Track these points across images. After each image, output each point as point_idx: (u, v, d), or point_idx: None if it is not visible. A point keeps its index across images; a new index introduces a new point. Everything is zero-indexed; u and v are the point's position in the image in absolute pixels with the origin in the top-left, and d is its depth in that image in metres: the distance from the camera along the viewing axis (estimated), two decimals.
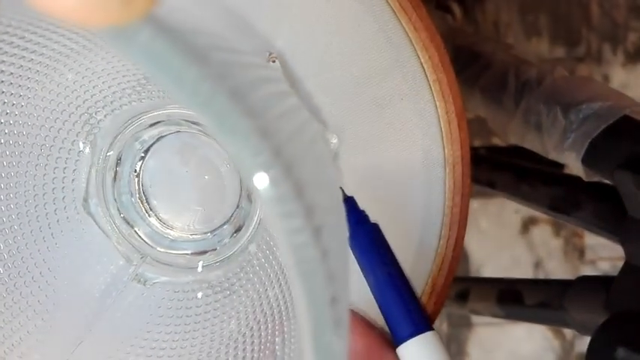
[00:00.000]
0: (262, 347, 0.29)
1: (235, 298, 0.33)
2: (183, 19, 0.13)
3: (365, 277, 0.30)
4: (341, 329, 0.14)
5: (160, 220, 0.37)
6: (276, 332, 0.28)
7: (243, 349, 0.30)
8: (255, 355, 0.29)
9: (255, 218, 0.34)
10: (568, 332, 0.88)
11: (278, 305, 0.29)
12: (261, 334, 0.29)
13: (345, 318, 0.15)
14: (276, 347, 0.27)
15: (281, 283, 0.30)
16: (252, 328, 0.30)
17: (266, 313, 0.30)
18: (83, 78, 0.29)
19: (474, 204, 0.86)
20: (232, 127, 0.13)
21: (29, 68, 0.28)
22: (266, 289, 0.31)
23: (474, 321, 0.88)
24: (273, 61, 0.32)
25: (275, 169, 0.13)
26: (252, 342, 0.29)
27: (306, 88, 0.33)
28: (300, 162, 0.14)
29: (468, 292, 0.63)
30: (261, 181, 0.13)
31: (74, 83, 0.29)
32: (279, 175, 0.13)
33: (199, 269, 0.36)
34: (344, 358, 0.15)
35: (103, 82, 0.30)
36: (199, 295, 0.34)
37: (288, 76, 0.33)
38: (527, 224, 0.88)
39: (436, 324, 0.30)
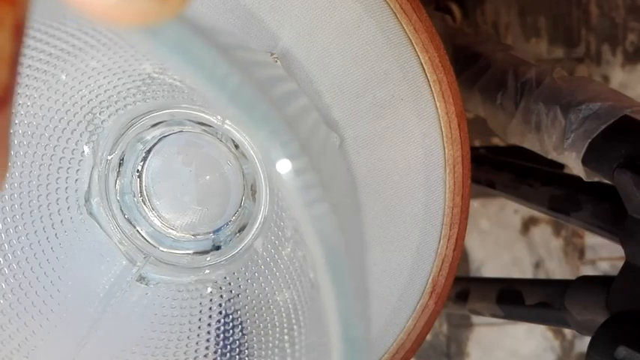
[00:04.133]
0: (270, 345, 0.29)
1: (240, 297, 0.33)
2: (203, 18, 0.13)
3: None
4: (362, 302, 0.15)
5: (163, 220, 0.37)
6: (285, 329, 0.28)
7: (251, 348, 0.30)
8: (262, 352, 0.29)
9: (259, 217, 0.34)
10: (568, 332, 0.88)
11: (285, 303, 0.29)
12: (268, 332, 0.29)
13: (367, 291, 0.15)
14: (286, 345, 0.27)
15: (287, 281, 0.30)
16: (259, 326, 0.30)
17: (273, 311, 0.30)
18: (89, 78, 0.29)
19: (474, 204, 0.86)
20: (262, 116, 0.13)
21: (36, 68, 0.28)
22: (272, 288, 0.31)
23: (474, 321, 0.88)
24: (275, 62, 0.32)
25: (302, 159, 0.13)
26: (260, 340, 0.30)
27: (307, 88, 0.33)
28: (318, 157, 0.14)
29: (468, 292, 0.63)
30: (285, 168, 0.13)
31: (80, 83, 0.30)
32: (306, 165, 0.13)
33: (203, 269, 0.36)
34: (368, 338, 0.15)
35: (108, 82, 0.30)
36: (203, 294, 0.34)
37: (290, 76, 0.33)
38: (528, 224, 0.88)
39: (436, 324, 0.31)
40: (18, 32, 0.10)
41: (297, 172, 0.13)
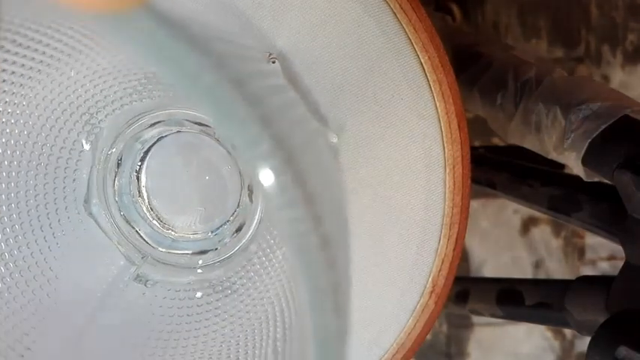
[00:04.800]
0: (264, 345, 0.29)
1: (236, 297, 0.33)
2: (181, 10, 0.13)
3: None
4: (341, 314, 0.14)
5: (161, 220, 0.37)
6: (278, 329, 0.28)
7: (245, 347, 0.30)
8: (256, 351, 0.29)
9: (256, 217, 0.34)
10: (568, 332, 0.88)
11: (279, 302, 0.29)
12: (262, 332, 0.29)
13: (347, 304, 0.15)
14: (277, 344, 0.27)
15: (282, 281, 0.30)
16: (253, 325, 0.30)
17: (267, 310, 0.30)
18: (85, 77, 0.29)
19: (474, 204, 0.86)
20: (232, 115, 0.13)
21: (31, 67, 0.28)
22: (267, 288, 0.31)
23: (474, 321, 0.88)
24: (273, 62, 0.32)
25: (275, 159, 0.13)
26: (254, 339, 0.30)
27: (307, 88, 0.33)
28: (300, 153, 0.14)
29: (468, 292, 0.63)
30: (263, 171, 0.13)
31: (76, 83, 0.29)
32: (280, 165, 0.13)
33: (200, 269, 0.36)
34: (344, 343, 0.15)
35: (104, 82, 0.30)
36: (200, 294, 0.34)
37: (288, 76, 0.33)
38: (527, 224, 0.88)
39: (436, 324, 0.31)
40: None
41: (272, 173, 0.13)
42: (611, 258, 0.88)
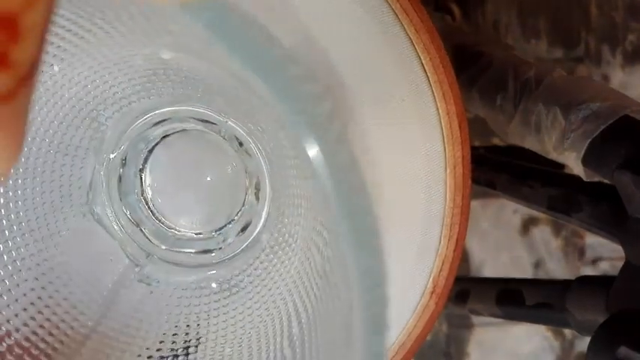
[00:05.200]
0: (277, 339, 0.29)
1: (244, 295, 0.33)
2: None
3: None
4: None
5: (165, 219, 0.37)
6: (293, 326, 0.28)
7: (258, 342, 0.30)
8: (270, 347, 0.29)
9: (263, 216, 0.34)
10: (568, 332, 0.88)
11: (292, 299, 0.29)
12: (275, 327, 0.29)
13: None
14: (294, 338, 0.27)
15: (294, 277, 0.30)
16: (265, 321, 0.30)
17: (279, 305, 0.30)
18: (95, 73, 0.29)
19: (474, 204, 0.86)
20: (287, 93, 0.14)
21: (43, 62, 0.28)
22: (277, 284, 0.31)
23: (474, 321, 0.88)
24: None
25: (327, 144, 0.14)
26: (267, 334, 0.29)
27: None
28: (339, 143, 0.15)
29: (468, 292, 0.63)
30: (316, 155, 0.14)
31: (86, 78, 0.29)
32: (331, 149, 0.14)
33: (204, 268, 0.36)
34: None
35: (114, 78, 0.30)
36: (207, 292, 0.34)
37: None
38: (527, 224, 0.88)
39: (436, 324, 0.31)
40: (51, 8, 0.11)
41: (318, 140, 0.14)
42: (611, 258, 0.88)
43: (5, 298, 0.30)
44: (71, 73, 0.29)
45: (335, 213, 0.14)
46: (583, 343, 0.87)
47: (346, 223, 0.14)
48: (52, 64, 0.28)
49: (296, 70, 0.15)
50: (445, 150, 0.34)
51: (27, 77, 0.11)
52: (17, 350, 0.29)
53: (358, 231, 0.15)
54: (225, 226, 0.36)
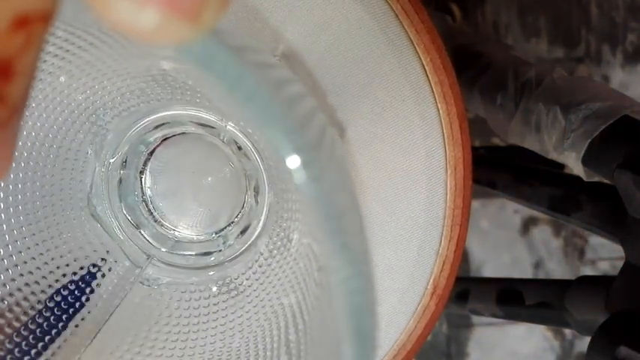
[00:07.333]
0: (274, 345, 0.29)
1: (243, 298, 0.33)
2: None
3: None
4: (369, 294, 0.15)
5: (165, 222, 0.37)
6: (290, 329, 0.28)
7: (255, 347, 0.30)
8: (267, 353, 0.29)
9: (262, 218, 0.35)
10: (568, 332, 0.89)
11: (289, 302, 0.29)
12: (272, 332, 0.29)
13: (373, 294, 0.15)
14: (291, 344, 0.27)
15: (292, 281, 0.30)
16: (262, 326, 0.30)
17: (276, 310, 0.30)
18: (94, 80, 0.29)
19: (475, 204, 0.86)
20: (275, 120, 0.13)
21: (41, 69, 0.28)
22: (275, 288, 0.31)
23: (474, 321, 0.88)
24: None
25: (311, 154, 0.14)
26: (264, 339, 0.30)
27: (308, 89, 0.33)
28: (327, 157, 0.15)
29: (468, 292, 0.63)
30: (294, 164, 0.14)
31: (84, 85, 0.29)
32: (315, 161, 0.14)
33: (205, 270, 0.36)
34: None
35: (112, 84, 0.30)
36: (206, 295, 0.34)
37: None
38: (527, 224, 0.88)
39: (436, 324, 0.31)
40: (42, 47, 0.11)
41: (305, 166, 0.14)
42: (611, 258, 0.88)
43: (6, 301, 0.30)
44: (74, 83, 0.29)
45: (323, 229, 0.14)
46: (583, 343, 0.87)
47: (334, 245, 0.14)
48: (58, 76, 0.28)
49: (289, 90, 0.16)
50: (446, 151, 0.34)
51: (19, 109, 0.11)
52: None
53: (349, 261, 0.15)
54: (226, 228, 0.36)
